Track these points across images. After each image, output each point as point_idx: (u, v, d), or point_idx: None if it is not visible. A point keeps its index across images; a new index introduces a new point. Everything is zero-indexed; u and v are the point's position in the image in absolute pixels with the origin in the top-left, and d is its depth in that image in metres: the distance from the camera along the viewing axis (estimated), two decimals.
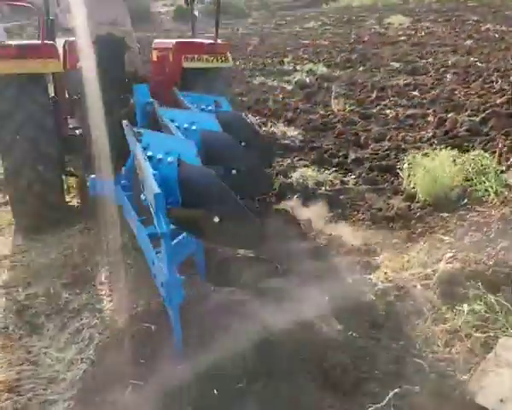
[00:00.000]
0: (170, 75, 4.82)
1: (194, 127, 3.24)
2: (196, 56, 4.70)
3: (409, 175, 4.88)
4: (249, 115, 7.39)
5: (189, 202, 2.42)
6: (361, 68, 11.82)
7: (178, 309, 2.40)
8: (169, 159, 2.58)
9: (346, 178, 5.33)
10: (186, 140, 2.83)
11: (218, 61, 4.77)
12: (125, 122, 3.38)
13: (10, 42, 4.48)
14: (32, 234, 4.51)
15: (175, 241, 2.64)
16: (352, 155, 5.93)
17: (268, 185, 3.98)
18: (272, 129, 6.92)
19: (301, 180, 5.06)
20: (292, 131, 6.87)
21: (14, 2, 6.02)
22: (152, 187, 2.35)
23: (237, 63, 12.91)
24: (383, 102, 8.31)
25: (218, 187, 2.40)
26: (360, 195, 4.92)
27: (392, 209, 4.52)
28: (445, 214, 4.21)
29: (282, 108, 8.33)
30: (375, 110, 7.94)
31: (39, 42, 4.52)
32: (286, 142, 6.50)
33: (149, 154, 2.73)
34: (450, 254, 3.33)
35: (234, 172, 3.02)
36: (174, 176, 2.47)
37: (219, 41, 4.97)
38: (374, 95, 8.89)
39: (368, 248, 3.83)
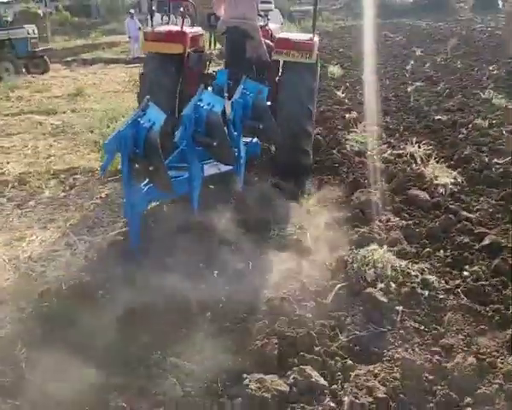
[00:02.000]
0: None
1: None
2: (285, 51, 5.29)
3: None
4: None
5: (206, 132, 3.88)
6: None
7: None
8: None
9: None
10: (221, 101, 4.11)
11: (302, 57, 5.20)
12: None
13: (157, 28, 5.71)
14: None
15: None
16: None
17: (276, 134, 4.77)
18: None
19: None
20: None
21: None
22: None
23: None
24: None
25: (219, 127, 3.84)
26: None
27: None
28: None
29: None
30: None
31: (173, 29, 5.71)
32: None
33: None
34: None
35: (261, 126, 4.46)
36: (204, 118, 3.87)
37: (315, 39, 5.39)
38: None
39: None
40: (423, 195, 4.82)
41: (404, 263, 3.56)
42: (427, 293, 3.32)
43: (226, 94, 4.71)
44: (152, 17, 6.30)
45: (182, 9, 6.29)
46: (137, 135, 3.35)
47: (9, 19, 32.42)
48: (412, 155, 6.02)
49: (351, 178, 5.30)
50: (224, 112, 4.07)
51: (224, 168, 4.29)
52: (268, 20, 6.17)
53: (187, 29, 5.80)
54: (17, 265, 4.02)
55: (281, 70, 5.58)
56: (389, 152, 6.28)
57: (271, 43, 5.69)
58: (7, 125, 9.01)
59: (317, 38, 5.60)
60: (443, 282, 3.47)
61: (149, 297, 3.15)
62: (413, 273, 3.47)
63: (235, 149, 4.34)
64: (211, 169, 4.22)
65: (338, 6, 39.68)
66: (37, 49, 15.69)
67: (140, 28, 18.62)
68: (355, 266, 3.52)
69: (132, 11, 20.69)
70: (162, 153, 3.38)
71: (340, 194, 5.05)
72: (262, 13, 6.09)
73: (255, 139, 4.92)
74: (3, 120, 9.46)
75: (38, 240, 4.47)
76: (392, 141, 6.82)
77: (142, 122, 3.37)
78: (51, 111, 10.00)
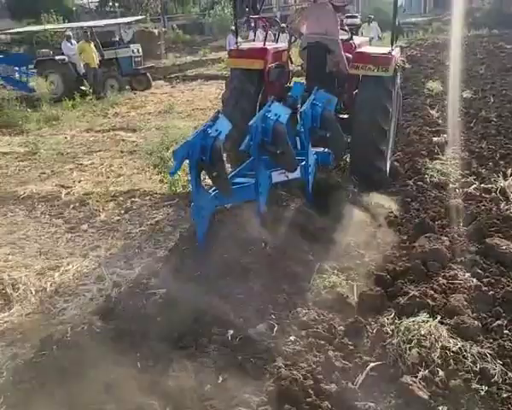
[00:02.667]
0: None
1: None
2: (361, 65, 5.24)
3: None
4: None
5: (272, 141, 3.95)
6: None
7: None
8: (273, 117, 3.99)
9: None
10: (287, 112, 4.18)
11: (378, 70, 5.14)
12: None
13: (241, 45, 5.92)
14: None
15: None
16: None
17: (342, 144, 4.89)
18: None
19: None
20: None
21: (263, 16, 7.19)
22: None
23: None
24: None
25: (282, 137, 3.93)
26: None
27: None
28: None
29: None
30: None
31: (256, 46, 6.03)
32: None
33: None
34: None
35: (328, 134, 4.53)
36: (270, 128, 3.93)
37: (394, 53, 5.29)
38: None
39: None
40: (507, 246, 3.87)
41: (459, 343, 2.75)
42: (484, 389, 2.52)
43: (299, 106, 4.76)
44: (237, 34, 6.37)
45: (264, 27, 6.58)
46: (205, 143, 3.53)
47: (126, 38, 34.93)
48: (504, 192, 5.02)
49: (418, 219, 4.48)
50: (288, 122, 4.19)
51: (292, 176, 4.36)
52: (353, 34, 6.17)
53: (269, 45, 5.97)
54: (42, 298, 3.85)
55: (358, 83, 5.51)
56: (475, 186, 5.28)
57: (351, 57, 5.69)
58: (94, 141, 9.32)
59: (397, 52, 5.56)
60: (510, 374, 2.64)
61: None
62: (470, 359, 2.66)
63: (303, 158, 4.48)
64: (279, 176, 4.33)
65: (449, 17, 37.16)
66: (139, 67, 16.36)
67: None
68: (395, 341, 2.80)
69: (233, 28, 20.88)
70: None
71: (402, 238, 4.28)
72: (347, 28, 6.13)
73: (327, 149, 4.97)
74: (94, 136, 9.82)
75: (73, 270, 4.31)
76: (482, 172, 5.78)
77: (209, 132, 3.56)
78: (137, 128, 10.19)
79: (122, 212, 5.62)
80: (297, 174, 4.41)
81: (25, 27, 26.09)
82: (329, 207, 4.61)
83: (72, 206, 5.85)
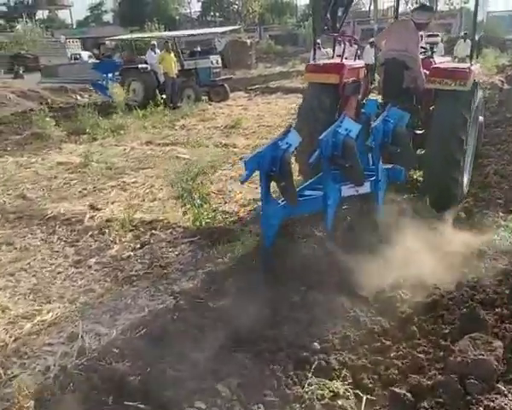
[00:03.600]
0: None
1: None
2: (438, 79, 5.15)
3: None
4: None
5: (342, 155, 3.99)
6: None
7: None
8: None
9: None
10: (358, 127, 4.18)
11: (456, 85, 5.01)
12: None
13: (320, 61, 6.14)
14: None
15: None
16: None
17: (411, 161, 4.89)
18: None
19: None
20: None
21: (343, 34, 7.21)
22: None
23: None
24: None
25: (352, 151, 3.95)
26: None
27: None
28: None
29: None
30: None
31: (333, 62, 6.05)
32: None
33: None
34: None
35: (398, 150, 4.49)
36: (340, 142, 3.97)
37: (472, 68, 5.18)
38: None
39: None
40: None
41: None
42: None
43: (372, 122, 4.65)
44: (315, 51, 6.66)
45: (342, 44, 6.77)
46: (275, 155, 3.58)
47: (219, 48, 35.30)
48: None
49: (467, 306, 3.32)
50: (359, 137, 4.21)
51: (362, 190, 4.31)
52: (434, 52, 6.20)
53: (347, 62, 6.00)
54: None
55: (436, 99, 5.35)
56: None
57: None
58: (148, 156, 8.92)
59: (476, 67, 5.48)
60: None
61: None
62: None
63: (373, 174, 4.43)
64: (348, 191, 4.27)
65: None
66: (217, 79, 15.98)
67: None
68: None
69: (319, 41, 19.95)
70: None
71: (443, 331, 3.17)
72: (427, 46, 6.18)
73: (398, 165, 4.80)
74: (151, 150, 9.44)
75: (49, 320, 3.71)
76: None
77: (280, 144, 3.63)
78: (197, 144, 9.67)
79: (137, 246, 4.99)
80: (366, 189, 4.35)
81: (121, 36, 26.95)
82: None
83: (90, 233, 5.34)
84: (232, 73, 31.67)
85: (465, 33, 15.93)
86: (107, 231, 5.33)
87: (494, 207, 5.16)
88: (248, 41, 33.57)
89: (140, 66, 15.63)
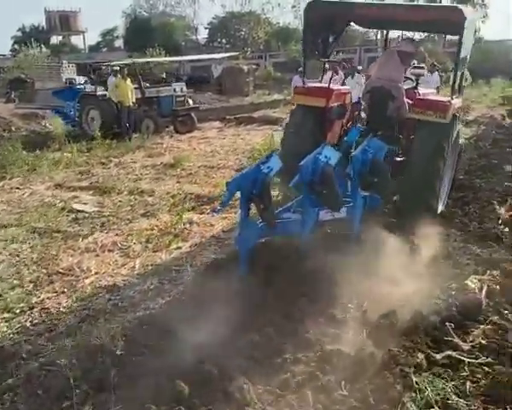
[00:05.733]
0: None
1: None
2: (420, 110, 5.23)
3: None
4: None
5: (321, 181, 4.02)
6: None
7: None
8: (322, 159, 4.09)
9: None
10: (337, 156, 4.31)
11: (436, 117, 5.09)
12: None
13: (308, 84, 6.08)
14: None
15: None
16: None
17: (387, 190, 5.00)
18: None
19: None
20: None
21: (332, 60, 7.11)
22: None
23: None
24: None
25: (330, 179, 3.98)
26: None
27: None
28: None
29: None
30: None
31: (322, 85, 6.13)
32: None
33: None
34: None
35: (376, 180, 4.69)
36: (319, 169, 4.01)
37: (453, 102, 5.23)
38: None
39: None
40: None
41: None
42: None
43: (353, 150, 4.85)
44: (305, 74, 6.31)
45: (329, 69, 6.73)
46: (256, 178, 3.65)
47: (216, 74, 33.85)
48: None
49: None
50: (338, 165, 4.29)
51: (338, 215, 4.37)
52: (418, 83, 6.11)
53: (334, 86, 6.01)
54: None
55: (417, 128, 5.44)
56: None
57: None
58: (37, 206, 7.06)
59: (457, 101, 5.47)
60: None
61: None
62: None
63: (351, 200, 4.52)
64: (326, 215, 4.31)
65: None
66: (180, 108, 14.26)
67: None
68: None
69: (300, 69, 18.30)
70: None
71: None
72: (413, 77, 6.23)
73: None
74: (52, 196, 7.56)
75: None
76: None
77: (262, 168, 3.70)
78: (111, 189, 7.88)
79: None
80: (343, 214, 4.45)
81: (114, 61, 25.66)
82: None
83: None
84: (226, 100, 30.27)
85: (434, 64, 14.05)
86: None
87: None
88: (246, 68, 32.13)
89: (99, 93, 14.09)
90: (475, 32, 9.80)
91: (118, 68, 14.55)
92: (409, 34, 9.22)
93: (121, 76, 13.32)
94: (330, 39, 6.13)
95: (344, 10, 5.90)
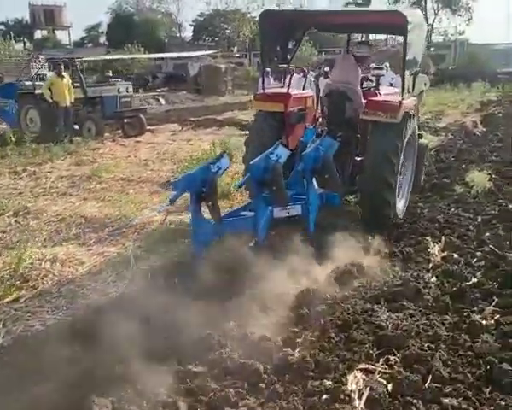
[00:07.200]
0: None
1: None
2: (372, 111, 5.25)
3: None
4: None
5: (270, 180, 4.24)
6: None
7: None
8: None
9: None
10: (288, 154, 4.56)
11: (387, 117, 5.13)
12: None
13: (268, 90, 6.02)
14: None
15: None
16: None
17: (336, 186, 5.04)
18: None
19: None
20: None
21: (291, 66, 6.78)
22: None
23: None
24: None
25: (278, 176, 4.21)
26: None
27: None
28: None
29: None
30: None
31: (280, 91, 5.95)
32: None
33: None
34: None
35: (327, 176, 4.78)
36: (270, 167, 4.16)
37: (405, 101, 5.22)
38: None
39: None
40: None
41: None
42: None
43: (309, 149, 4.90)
44: (264, 81, 6.17)
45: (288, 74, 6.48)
46: (206, 177, 3.76)
47: (193, 72, 32.41)
48: None
49: None
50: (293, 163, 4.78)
51: (293, 213, 4.48)
52: (379, 84, 6.19)
53: (294, 91, 5.98)
54: None
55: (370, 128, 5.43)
56: None
57: None
58: None
59: (409, 101, 5.46)
60: None
61: None
62: None
63: (304, 197, 4.63)
64: (280, 213, 4.37)
65: None
66: (125, 109, 12.96)
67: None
68: None
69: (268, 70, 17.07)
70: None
71: None
72: (373, 78, 6.32)
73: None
74: None
75: None
76: None
77: (211, 167, 3.82)
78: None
79: None
80: (297, 211, 4.53)
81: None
82: None
83: None
84: (201, 99, 28.98)
85: (385, 65, 12.83)
86: None
87: None
88: (223, 66, 30.82)
89: (37, 91, 12.75)
90: (427, 34, 9.92)
91: (62, 66, 13.22)
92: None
93: (57, 73, 11.99)
94: (290, 45, 6.18)
95: (297, 17, 6.27)
